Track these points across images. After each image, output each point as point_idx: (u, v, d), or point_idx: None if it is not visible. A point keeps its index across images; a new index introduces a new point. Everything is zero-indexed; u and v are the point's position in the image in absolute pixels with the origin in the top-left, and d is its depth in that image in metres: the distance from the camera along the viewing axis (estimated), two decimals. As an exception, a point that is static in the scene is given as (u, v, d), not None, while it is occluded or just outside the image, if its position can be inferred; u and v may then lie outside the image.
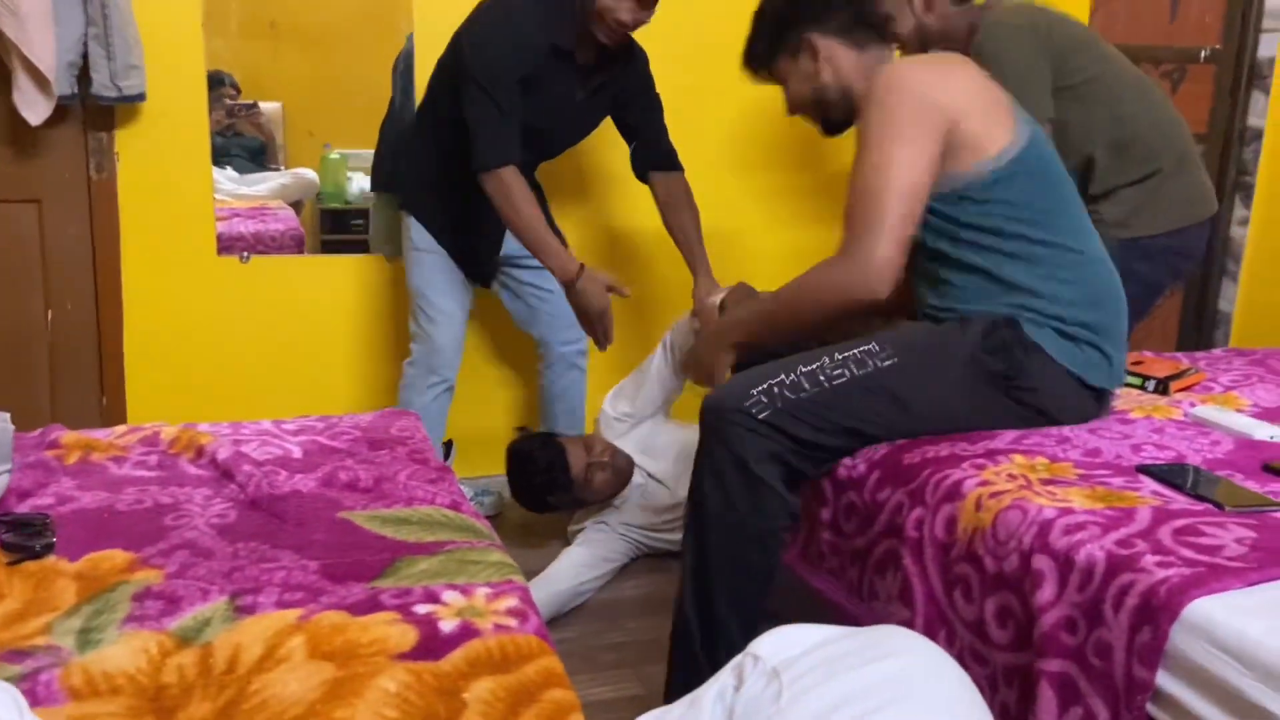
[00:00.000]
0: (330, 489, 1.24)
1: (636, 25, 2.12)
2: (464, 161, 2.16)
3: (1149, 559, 1.15)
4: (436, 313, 2.38)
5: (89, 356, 2.48)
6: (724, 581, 1.51)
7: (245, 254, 2.58)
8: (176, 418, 2.26)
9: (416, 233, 2.36)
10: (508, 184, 2.12)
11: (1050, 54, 2.02)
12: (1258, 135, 3.30)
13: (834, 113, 1.72)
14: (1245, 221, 3.36)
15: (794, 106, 1.76)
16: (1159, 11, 3.27)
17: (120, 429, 1.48)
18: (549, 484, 2.21)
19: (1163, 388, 1.84)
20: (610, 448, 2.29)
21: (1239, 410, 1.73)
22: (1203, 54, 3.29)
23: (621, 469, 2.29)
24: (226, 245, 2.56)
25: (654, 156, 2.37)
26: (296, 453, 1.37)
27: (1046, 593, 1.21)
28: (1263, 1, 3.24)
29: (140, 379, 2.51)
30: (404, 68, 2.61)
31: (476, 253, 2.39)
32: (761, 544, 1.51)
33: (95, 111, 2.34)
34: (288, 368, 2.64)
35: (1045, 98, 2.00)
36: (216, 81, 2.56)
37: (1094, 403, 1.64)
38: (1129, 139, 2.06)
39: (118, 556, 1.07)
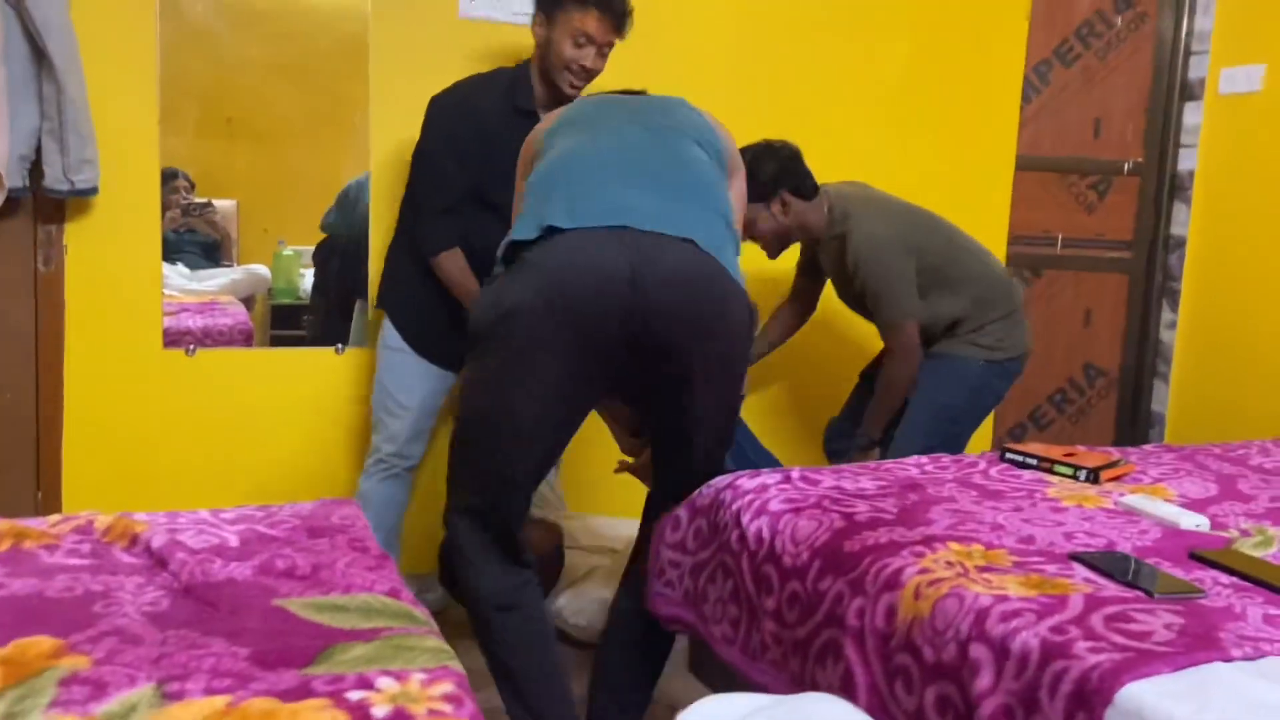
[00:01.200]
0: (266, 576, 1.23)
1: (594, 73, 2.34)
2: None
3: (1082, 645, 1.17)
4: (398, 408, 2.44)
5: (26, 449, 2.43)
6: None
7: (192, 347, 2.57)
8: (114, 510, 2.22)
9: (388, 332, 2.44)
10: (446, 270, 2.31)
11: (913, 254, 2.48)
12: (1181, 244, 3.46)
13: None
14: (1173, 325, 3.50)
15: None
16: (1083, 127, 3.45)
17: (54, 517, 1.45)
18: None
19: (1094, 477, 1.89)
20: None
21: (1167, 500, 1.77)
22: (1126, 167, 3.47)
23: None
24: (174, 339, 2.56)
25: None
26: (233, 541, 1.36)
27: (984, 681, 1.22)
28: (1180, 119, 3.44)
29: (78, 473, 2.47)
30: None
31: (452, 339, 2.32)
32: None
33: (46, 204, 2.36)
34: (231, 462, 2.61)
35: (913, 299, 2.48)
36: (170, 176, 2.59)
37: None
38: (985, 292, 2.56)
39: (45, 643, 1.04)
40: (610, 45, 2.35)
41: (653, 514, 1.95)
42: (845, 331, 3.05)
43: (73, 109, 2.25)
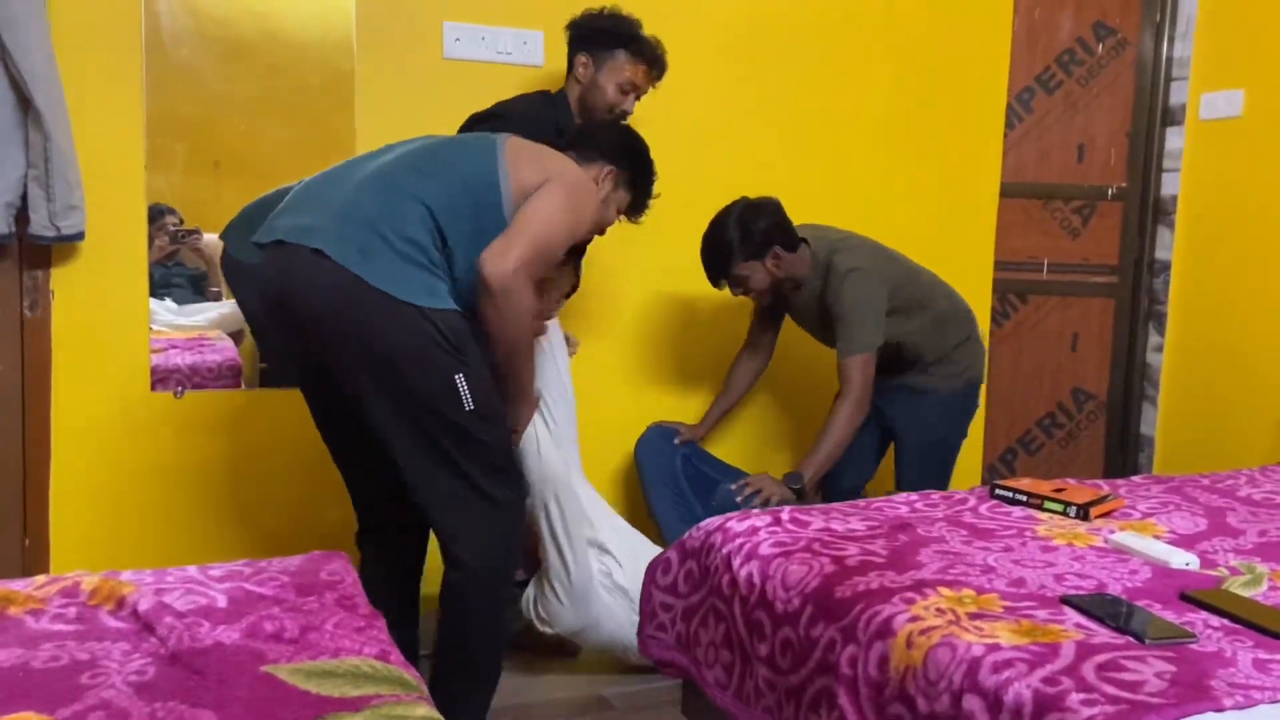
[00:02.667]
0: (254, 640, 1.22)
1: (628, 115, 2.46)
2: None
3: (1074, 697, 1.17)
4: None
5: (13, 497, 2.42)
6: None
7: (180, 389, 2.56)
8: (102, 560, 2.21)
9: None
10: None
11: (886, 287, 2.59)
12: (1165, 267, 3.49)
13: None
14: (1160, 349, 3.52)
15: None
16: (1067, 153, 3.48)
17: (40, 579, 1.44)
18: None
19: (1083, 514, 1.90)
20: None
21: (1156, 537, 1.78)
22: (1110, 192, 3.49)
23: None
24: (162, 378, 2.55)
25: None
26: (221, 601, 1.35)
27: (977, 732, 1.22)
28: (1163, 144, 3.47)
29: (66, 521, 2.45)
30: None
31: None
32: None
33: (32, 250, 2.35)
34: (222, 509, 2.60)
35: (878, 332, 2.56)
36: (159, 214, 2.59)
37: None
38: (947, 314, 2.70)
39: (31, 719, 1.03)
40: (645, 93, 2.52)
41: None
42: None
43: (59, 156, 2.25)
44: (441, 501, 1.88)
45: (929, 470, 2.68)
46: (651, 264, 2.95)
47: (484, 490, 1.88)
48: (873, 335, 2.54)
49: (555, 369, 2.37)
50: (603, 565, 2.36)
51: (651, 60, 2.47)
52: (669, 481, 2.66)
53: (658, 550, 2.45)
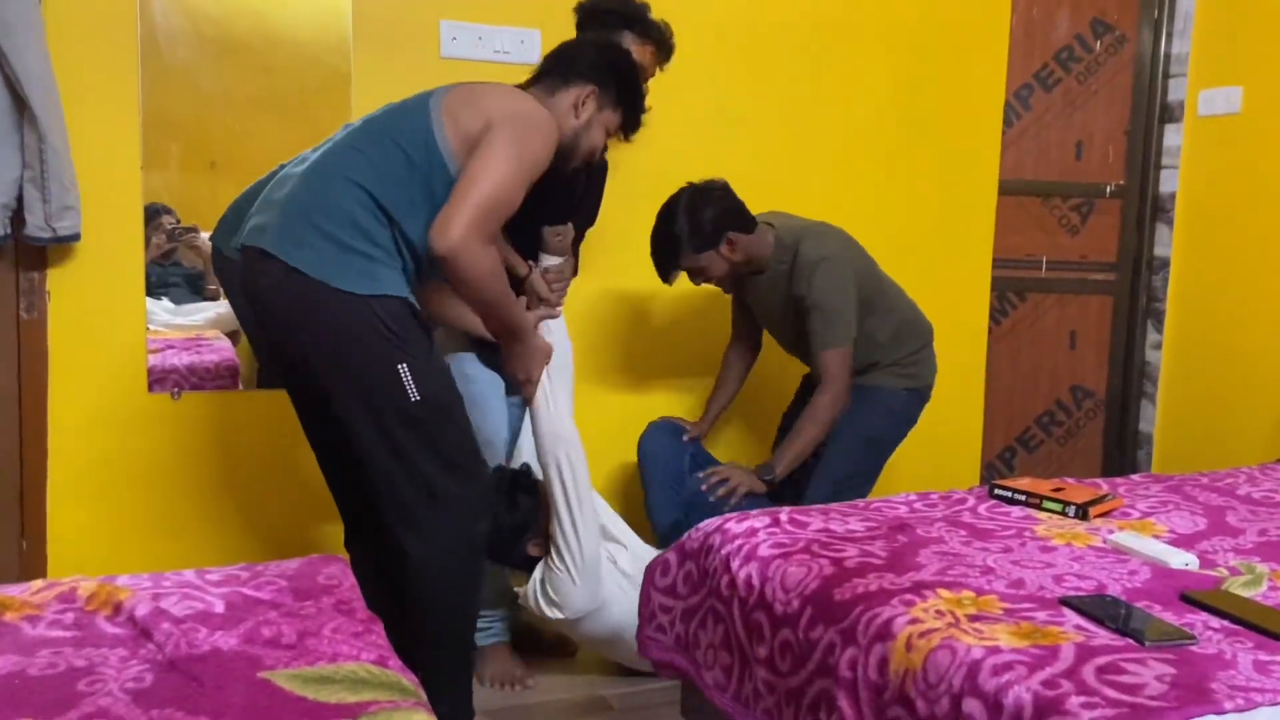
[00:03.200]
0: (252, 646, 1.22)
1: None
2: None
3: (1074, 700, 1.16)
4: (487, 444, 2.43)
5: (10, 498, 2.41)
6: None
7: (177, 390, 2.56)
8: (100, 563, 2.21)
9: (465, 361, 2.35)
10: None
11: (855, 279, 2.53)
12: (1164, 264, 3.48)
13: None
14: (1159, 346, 3.52)
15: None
16: (1065, 151, 3.47)
17: (37, 584, 1.43)
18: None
19: (1082, 514, 1.89)
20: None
21: (1156, 536, 1.78)
22: (1108, 189, 3.49)
23: None
24: (159, 378, 2.54)
25: None
26: (218, 607, 1.34)
27: (977, 736, 1.22)
28: (1161, 141, 3.46)
29: (63, 523, 2.45)
30: None
31: None
32: None
33: (28, 251, 2.34)
34: (220, 511, 2.60)
35: (853, 325, 2.51)
36: (156, 213, 2.58)
37: None
38: (907, 321, 2.66)
39: (26, 727, 1.03)
40: (652, 76, 2.44)
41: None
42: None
43: (55, 157, 2.24)
44: (394, 495, 1.86)
45: (856, 467, 2.57)
46: (647, 259, 2.94)
47: (437, 485, 1.85)
48: (850, 327, 2.49)
49: (562, 360, 2.28)
50: (607, 550, 2.30)
51: (659, 42, 2.40)
52: (673, 481, 2.61)
53: (653, 544, 2.44)
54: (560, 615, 2.21)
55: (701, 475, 2.52)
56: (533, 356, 2.09)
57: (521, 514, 2.21)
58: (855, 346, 2.52)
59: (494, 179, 1.79)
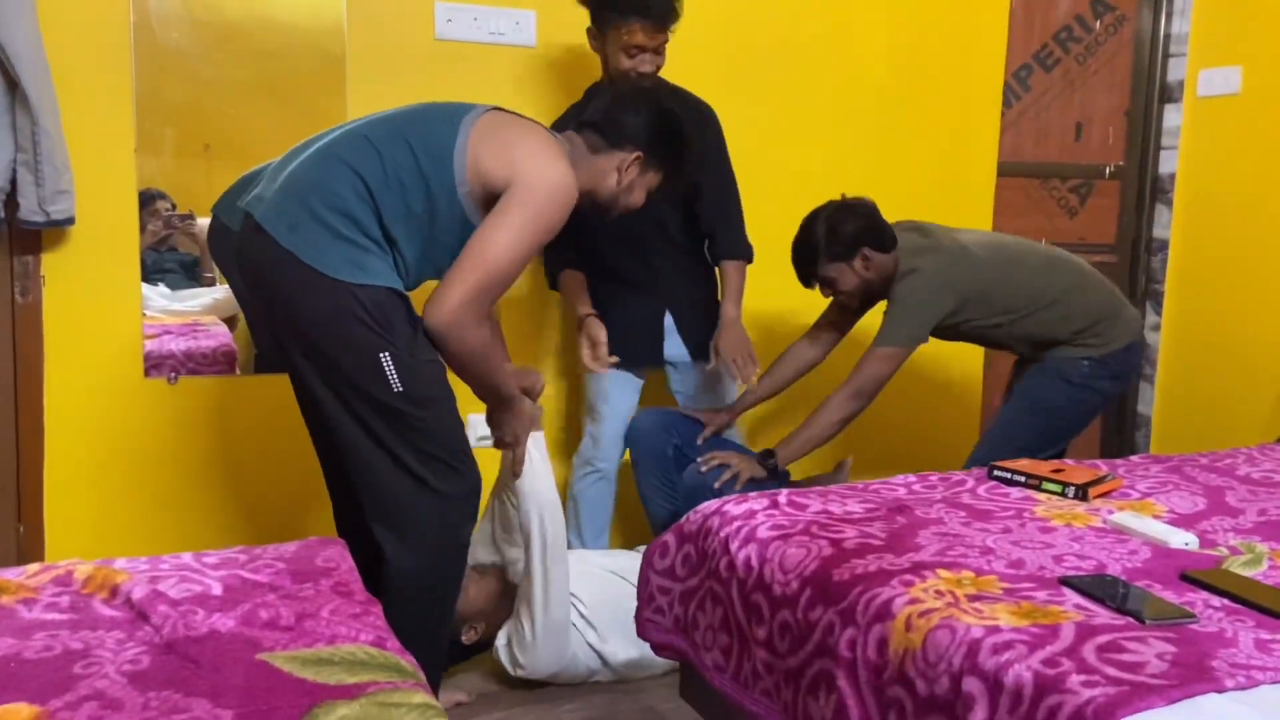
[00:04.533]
0: (250, 628, 1.21)
1: (656, 71, 2.47)
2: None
3: (1075, 679, 1.16)
4: (599, 416, 2.68)
5: (7, 484, 2.41)
6: None
7: (173, 375, 2.55)
8: (97, 548, 2.20)
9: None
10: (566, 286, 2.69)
11: (954, 294, 2.48)
12: (1163, 246, 3.47)
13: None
14: (1157, 327, 3.51)
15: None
16: (1065, 132, 3.46)
17: (33, 567, 1.43)
18: None
19: (1082, 494, 1.89)
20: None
21: (1155, 517, 1.77)
22: (1108, 170, 3.48)
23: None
24: (156, 364, 2.53)
25: None
26: (216, 589, 1.34)
27: (978, 716, 1.21)
28: (1160, 122, 3.45)
29: (61, 507, 2.44)
30: None
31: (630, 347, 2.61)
32: None
33: (21, 235, 2.33)
34: (218, 495, 2.59)
35: (916, 331, 2.48)
36: (151, 198, 2.57)
37: None
38: (1060, 315, 2.54)
39: (24, 710, 1.02)
40: (664, 42, 2.44)
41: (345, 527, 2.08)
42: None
43: (47, 140, 2.22)
44: (376, 489, 1.85)
45: (1020, 432, 2.54)
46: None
47: (420, 478, 1.84)
48: (904, 332, 2.45)
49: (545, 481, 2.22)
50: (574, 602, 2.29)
51: (640, 12, 2.36)
52: (660, 471, 2.59)
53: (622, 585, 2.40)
54: (527, 674, 2.22)
55: (701, 460, 2.50)
56: (519, 420, 2.09)
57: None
58: (1025, 344, 2.57)
59: (501, 255, 1.79)
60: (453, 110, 1.89)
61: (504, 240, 1.79)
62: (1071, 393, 2.55)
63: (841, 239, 2.45)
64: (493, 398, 2.02)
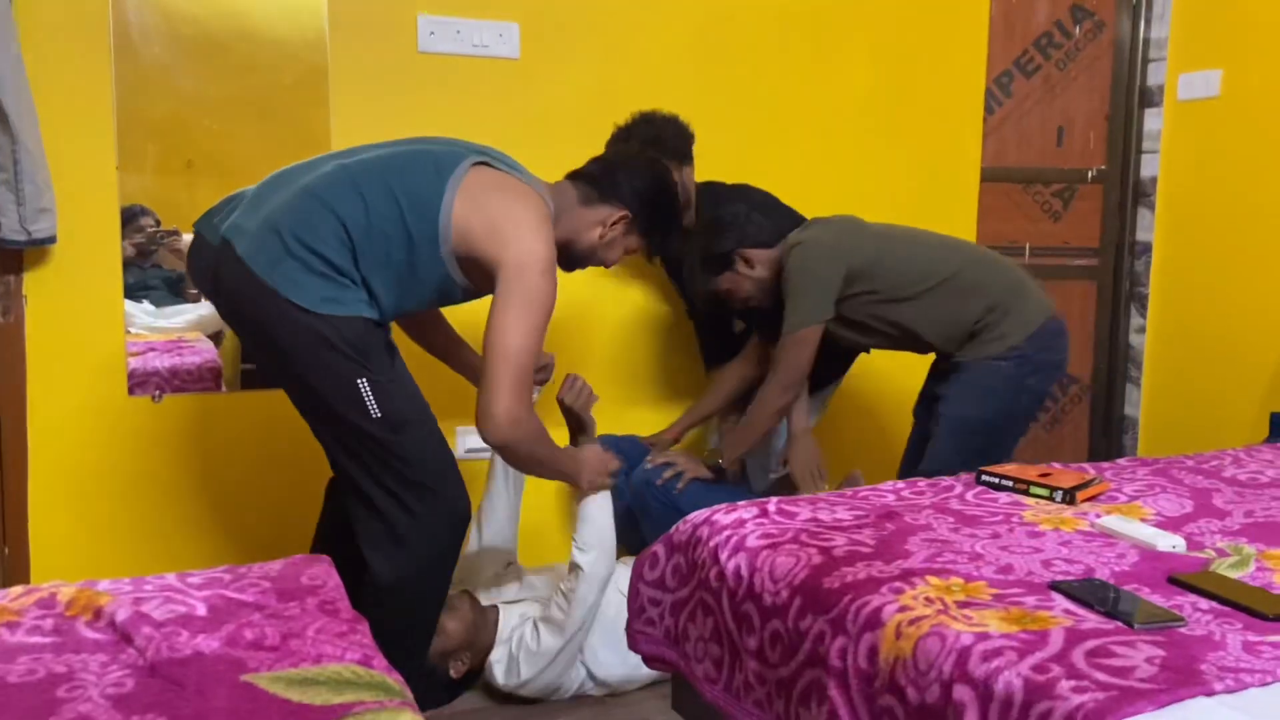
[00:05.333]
0: (234, 648, 1.20)
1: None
2: None
3: (1064, 685, 1.16)
4: None
5: (-10, 506, 2.39)
6: None
7: (158, 394, 2.53)
8: (83, 568, 2.18)
9: None
10: None
11: (843, 261, 2.39)
12: (1147, 249, 3.49)
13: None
14: (1142, 330, 3.53)
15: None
16: (1046, 137, 3.48)
17: (16, 590, 1.41)
18: None
19: (1070, 498, 1.89)
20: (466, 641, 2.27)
21: (1143, 519, 1.78)
22: (1090, 174, 3.49)
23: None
24: (140, 381, 2.52)
25: None
26: (201, 609, 1.32)
27: (968, 722, 1.21)
28: (1141, 126, 3.47)
29: (45, 529, 2.42)
30: None
31: None
32: None
33: (3, 254, 2.31)
34: (204, 514, 2.58)
35: (820, 305, 2.38)
36: (135, 215, 2.56)
37: None
38: (954, 296, 2.41)
39: (4, 736, 1.01)
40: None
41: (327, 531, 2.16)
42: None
43: (28, 159, 2.21)
44: (359, 506, 1.89)
45: (961, 449, 2.36)
46: (632, 269, 2.93)
47: (402, 501, 1.87)
48: (804, 310, 2.36)
49: None
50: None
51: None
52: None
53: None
54: (524, 689, 2.25)
55: (648, 460, 2.53)
56: (585, 476, 2.18)
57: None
58: (917, 339, 2.44)
59: (521, 346, 1.83)
60: (440, 161, 1.90)
61: (519, 329, 1.83)
62: (999, 404, 2.38)
63: (712, 256, 2.45)
64: (560, 478, 2.16)
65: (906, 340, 2.48)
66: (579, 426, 2.30)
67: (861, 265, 2.40)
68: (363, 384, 1.79)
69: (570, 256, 2.07)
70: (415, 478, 1.87)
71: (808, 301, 2.36)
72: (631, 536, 2.55)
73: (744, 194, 2.64)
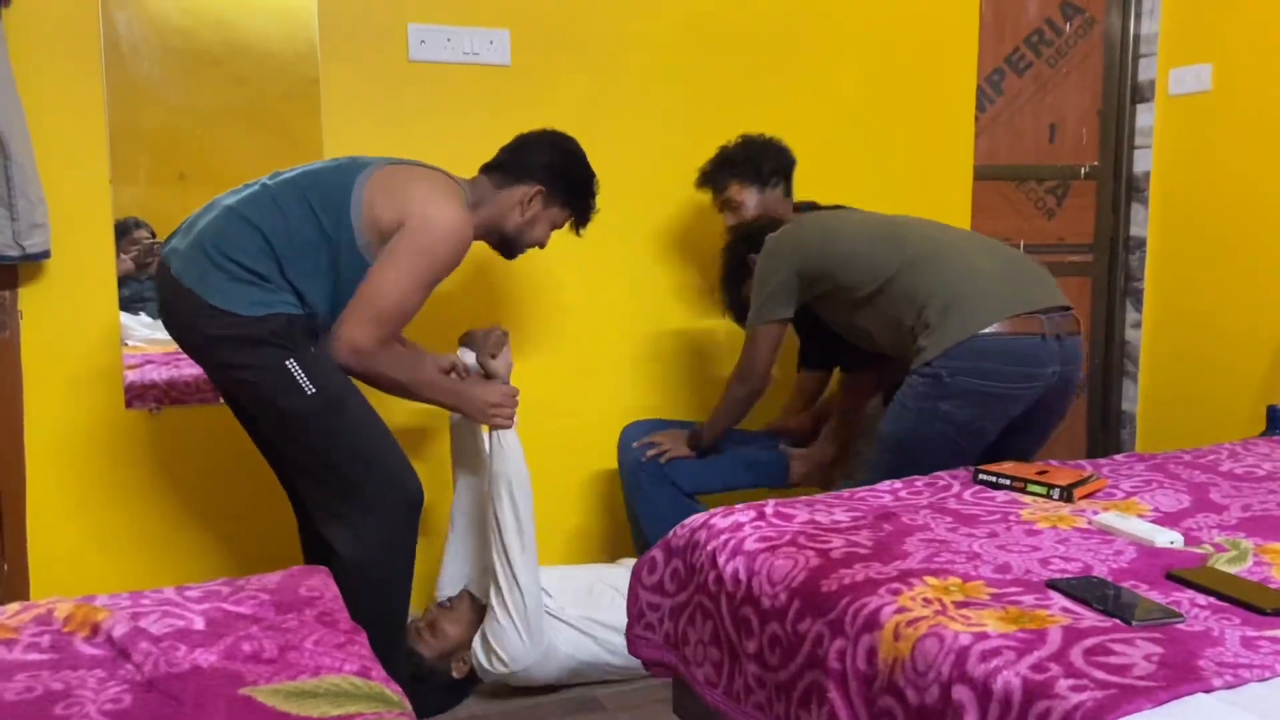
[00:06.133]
0: (232, 662, 1.20)
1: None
2: None
3: (1063, 684, 1.16)
4: None
5: (-12, 521, 2.38)
6: None
7: (156, 406, 2.53)
8: (84, 583, 2.18)
9: None
10: None
11: (796, 257, 2.33)
12: (1141, 244, 3.50)
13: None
14: (1138, 324, 3.53)
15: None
16: (1038, 134, 3.48)
17: (13, 607, 1.41)
18: None
19: (1067, 495, 1.89)
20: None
21: (1140, 515, 1.78)
22: (1083, 171, 3.50)
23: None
24: (138, 394, 2.51)
25: None
26: (198, 623, 1.32)
27: (968, 723, 1.21)
28: (1134, 121, 3.47)
29: (45, 544, 2.42)
30: None
31: None
32: None
33: (-3, 271, 2.32)
34: (202, 524, 2.57)
35: (775, 304, 2.34)
36: (130, 227, 2.56)
37: None
38: (890, 304, 2.25)
39: (2, 754, 1.01)
40: (728, 200, 2.73)
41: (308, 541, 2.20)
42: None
43: (20, 174, 2.21)
44: (316, 491, 1.99)
45: (876, 466, 2.22)
46: (625, 259, 2.93)
47: (353, 479, 1.96)
48: (756, 309, 2.36)
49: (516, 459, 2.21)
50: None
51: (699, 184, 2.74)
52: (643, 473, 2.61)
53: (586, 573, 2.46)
54: (508, 670, 2.20)
55: (637, 444, 2.60)
56: (474, 405, 2.17)
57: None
58: (882, 335, 2.28)
59: (389, 292, 1.93)
60: (352, 165, 2.02)
61: (390, 277, 1.93)
62: (907, 422, 2.16)
63: (733, 266, 2.53)
64: (436, 403, 2.17)
65: (887, 356, 2.40)
66: (485, 373, 2.31)
67: (804, 267, 2.31)
68: (291, 363, 1.89)
69: (504, 243, 2.21)
70: (362, 450, 1.96)
71: (758, 301, 2.37)
72: (633, 539, 2.57)
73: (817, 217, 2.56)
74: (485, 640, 2.21)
